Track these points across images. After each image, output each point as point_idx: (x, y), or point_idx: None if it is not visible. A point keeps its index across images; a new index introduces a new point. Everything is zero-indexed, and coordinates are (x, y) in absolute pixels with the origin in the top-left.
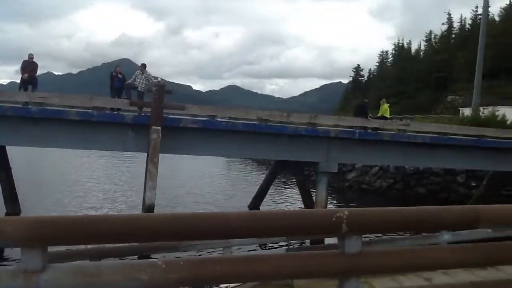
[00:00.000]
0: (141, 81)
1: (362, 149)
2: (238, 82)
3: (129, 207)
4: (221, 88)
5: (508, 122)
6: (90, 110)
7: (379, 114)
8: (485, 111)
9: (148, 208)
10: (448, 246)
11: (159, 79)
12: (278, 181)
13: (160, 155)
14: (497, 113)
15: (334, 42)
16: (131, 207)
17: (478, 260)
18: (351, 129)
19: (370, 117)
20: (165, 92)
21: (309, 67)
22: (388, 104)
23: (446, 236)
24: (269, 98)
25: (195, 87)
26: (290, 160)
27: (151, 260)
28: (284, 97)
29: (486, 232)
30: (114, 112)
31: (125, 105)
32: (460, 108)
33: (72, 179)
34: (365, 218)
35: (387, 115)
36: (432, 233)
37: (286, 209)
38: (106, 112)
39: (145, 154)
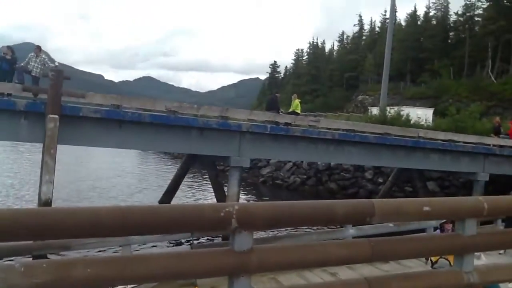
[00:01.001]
0: (36, 65)
1: (274, 144)
2: (154, 73)
3: (24, 202)
4: (135, 79)
5: (411, 121)
6: None
7: (290, 110)
8: (391, 111)
9: (45, 203)
10: (336, 242)
11: (56, 64)
12: (192, 176)
13: (61, 146)
14: (402, 112)
15: (253, 38)
16: (27, 202)
17: (365, 255)
18: (263, 124)
19: (281, 112)
20: (63, 77)
21: (227, 62)
22: (299, 100)
23: (351, 231)
24: (186, 92)
25: (107, 76)
26: (201, 154)
27: (6, 263)
28: (202, 91)
29: (388, 227)
30: (5, 98)
31: (18, 90)
32: (369, 108)
33: None
34: (256, 213)
35: (299, 111)
36: (326, 226)
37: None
38: None
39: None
